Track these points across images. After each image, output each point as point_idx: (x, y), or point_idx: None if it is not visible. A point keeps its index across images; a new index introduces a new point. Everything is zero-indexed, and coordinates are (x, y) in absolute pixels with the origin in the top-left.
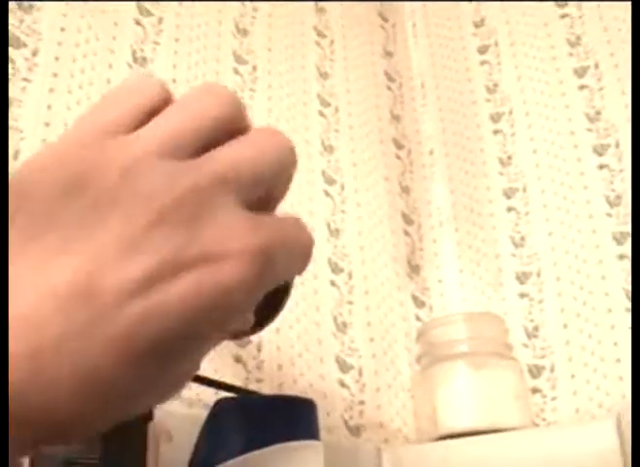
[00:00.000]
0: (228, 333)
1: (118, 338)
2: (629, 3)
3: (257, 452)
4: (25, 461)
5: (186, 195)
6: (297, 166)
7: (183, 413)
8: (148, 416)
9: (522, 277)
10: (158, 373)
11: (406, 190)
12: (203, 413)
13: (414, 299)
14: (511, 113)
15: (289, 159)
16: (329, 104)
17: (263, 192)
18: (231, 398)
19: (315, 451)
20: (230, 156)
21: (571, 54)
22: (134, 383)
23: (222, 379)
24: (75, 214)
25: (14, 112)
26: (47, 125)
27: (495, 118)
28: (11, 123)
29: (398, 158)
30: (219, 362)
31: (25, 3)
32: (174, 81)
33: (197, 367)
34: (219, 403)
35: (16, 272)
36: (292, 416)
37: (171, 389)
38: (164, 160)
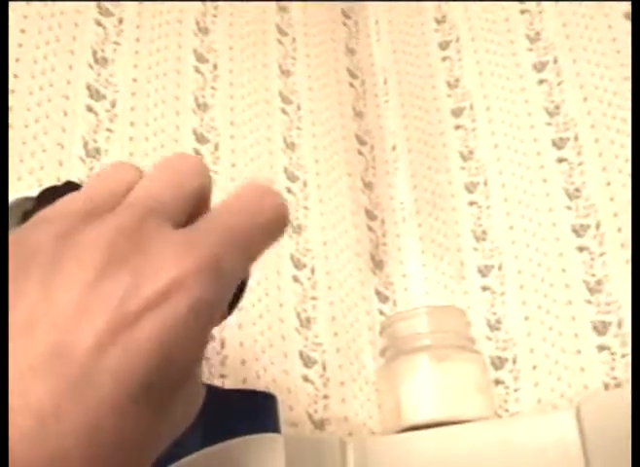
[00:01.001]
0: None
1: (107, 390)
2: None
3: (215, 447)
4: None
5: (114, 240)
6: (211, 180)
7: None
8: None
9: (484, 271)
10: (158, 412)
11: (369, 186)
12: None
13: (378, 294)
14: (472, 108)
15: (204, 171)
16: (291, 102)
17: (189, 204)
18: None
19: (275, 444)
20: (143, 187)
21: (530, 50)
22: (139, 430)
23: None
24: (30, 289)
25: None
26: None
27: (457, 113)
28: None
29: (360, 154)
30: None
31: None
32: (135, 80)
33: (197, 392)
34: None
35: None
36: (251, 410)
37: (182, 422)
38: (88, 219)
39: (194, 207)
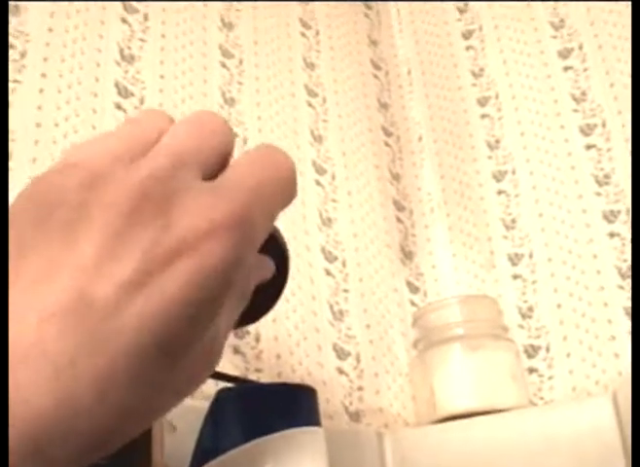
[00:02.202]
0: (242, 301)
1: (127, 340)
2: None
3: (259, 441)
4: None
5: (146, 188)
6: (233, 132)
7: (185, 404)
8: None
9: (515, 259)
10: (172, 368)
11: (396, 177)
12: (205, 405)
13: (409, 284)
14: (497, 97)
15: (228, 130)
16: (316, 94)
17: (216, 158)
18: (232, 388)
19: (316, 438)
20: (174, 136)
21: (555, 37)
22: (152, 384)
23: (221, 371)
24: (52, 235)
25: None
26: (38, 125)
27: (482, 102)
28: None
29: (387, 145)
30: None
31: (12, 4)
32: (162, 77)
33: (217, 349)
34: (220, 393)
35: (12, 300)
36: (292, 404)
37: (190, 385)
38: (119, 164)
39: (219, 163)
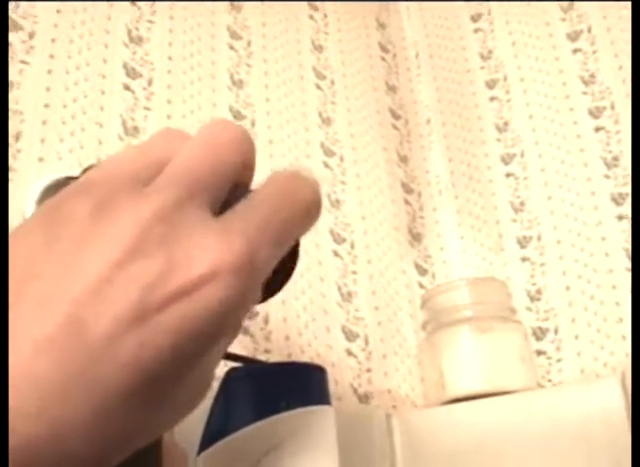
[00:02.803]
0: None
1: (118, 374)
2: None
3: (269, 419)
4: None
5: (150, 222)
6: (255, 150)
7: None
8: None
9: (523, 242)
10: (162, 399)
11: (404, 159)
12: (215, 385)
13: (417, 267)
14: (505, 79)
15: (245, 145)
16: (324, 77)
17: (228, 183)
18: (242, 367)
19: (327, 416)
20: (184, 162)
21: (564, 19)
22: (139, 419)
23: (231, 351)
24: (58, 258)
25: (13, 94)
26: (46, 106)
27: (490, 85)
28: (11, 105)
29: (395, 128)
30: None
31: None
32: (170, 58)
33: (208, 379)
34: (230, 372)
35: (12, 322)
36: (303, 383)
37: (176, 414)
38: (132, 188)
39: (233, 185)
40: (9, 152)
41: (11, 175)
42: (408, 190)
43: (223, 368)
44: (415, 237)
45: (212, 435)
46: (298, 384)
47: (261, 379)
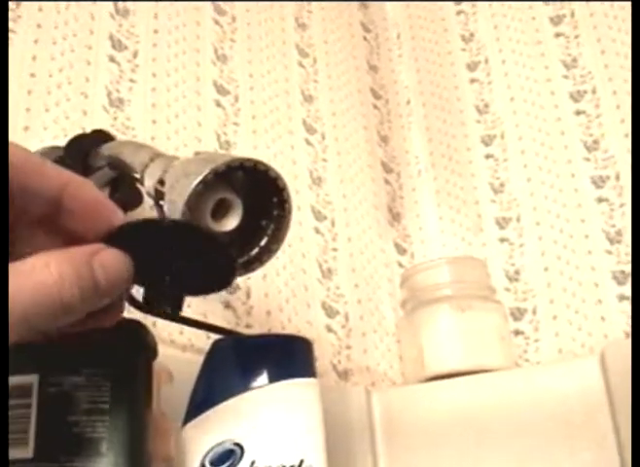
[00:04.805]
0: None
1: None
2: None
3: (254, 391)
4: None
5: None
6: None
7: (181, 356)
8: (153, 354)
9: (502, 223)
10: None
11: (384, 139)
12: (200, 358)
13: (396, 246)
14: (487, 62)
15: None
16: (307, 55)
17: None
18: (228, 339)
19: (312, 389)
20: None
21: (547, 3)
22: None
23: (214, 323)
24: None
25: None
26: (32, 75)
27: (472, 67)
28: None
29: (376, 107)
30: (209, 308)
31: None
32: (156, 31)
33: None
34: (216, 344)
35: None
36: (288, 355)
37: None
38: None
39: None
40: None
41: None
42: (387, 169)
43: (206, 342)
44: (395, 217)
45: (198, 406)
46: (283, 356)
47: (246, 351)
